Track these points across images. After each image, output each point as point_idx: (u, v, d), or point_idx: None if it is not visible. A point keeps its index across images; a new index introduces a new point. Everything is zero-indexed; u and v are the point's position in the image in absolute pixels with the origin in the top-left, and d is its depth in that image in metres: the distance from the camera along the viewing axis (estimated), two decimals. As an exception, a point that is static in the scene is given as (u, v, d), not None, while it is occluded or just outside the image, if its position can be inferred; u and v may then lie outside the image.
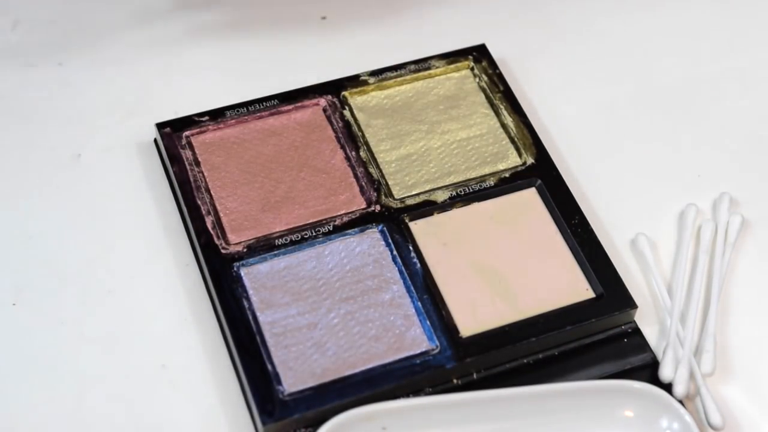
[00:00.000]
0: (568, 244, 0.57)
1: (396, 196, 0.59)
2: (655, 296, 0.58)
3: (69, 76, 0.65)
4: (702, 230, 0.59)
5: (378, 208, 0.58)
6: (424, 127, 0.62)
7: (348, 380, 0.52)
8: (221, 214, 0.57)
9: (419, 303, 0.55)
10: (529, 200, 0.59)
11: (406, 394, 0.53)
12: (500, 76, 0.64)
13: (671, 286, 0.58)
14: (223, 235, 0.56)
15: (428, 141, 0.61)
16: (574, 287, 0.56)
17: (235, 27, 0.68)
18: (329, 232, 0.57)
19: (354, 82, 0.63)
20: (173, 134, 0.60)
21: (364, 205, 0.58)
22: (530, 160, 0.60)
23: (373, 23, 0.68)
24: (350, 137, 0.61)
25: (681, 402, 0.52)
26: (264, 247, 0.56)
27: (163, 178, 0.61)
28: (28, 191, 0.60)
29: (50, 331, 0.55)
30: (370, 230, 0.57)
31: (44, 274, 0.57)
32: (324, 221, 0.57)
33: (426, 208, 0.58)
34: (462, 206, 0.59)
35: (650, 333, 0.56)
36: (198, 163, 0.59)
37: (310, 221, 0.57)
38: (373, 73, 0.63)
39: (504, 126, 0.62)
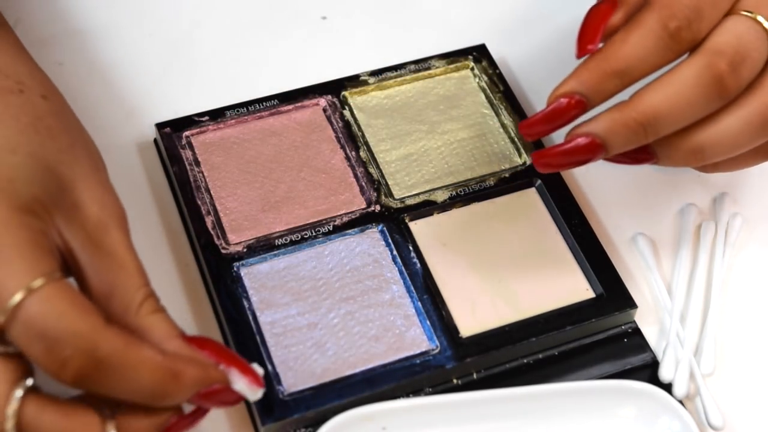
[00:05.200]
0: (568, 244, 0.57)
1: (396, 196, 0.59)
2: (655, 296, 0.58)
3: (69, 76, 0.65)
4: (702, 230, 0.59)
5: (378, 208, 0.58)
6: (424, 127, 0.62)
7: (348, 380, 0.52)
8: (221, 214, 0.57)
9: (419, 303, 0.55)
10: (529, 200, 0.59)
11: (406, 394, 0.53)
12: (500, 76, 0.64)
13: (671, 286, 0.58)
14: (223, 235, 0.56)
15: (428, 141, 0.61)
16: (574, 287, 0.56)
17: (234, 26, 0.68)
18: (329, 232, 0.57)
19: (354, 82, 0.63)
20: (173, 134, 0.60)
21: (364, 205, 0.58)
22: (530, 160, 0.60)
23: (373, 23, 0.68)
24: (350, 137, 0.61)
25: (681, 402, 0.53)
26: (264, 247, 0.56)
27: (163, 178, 0.61)
28: (28, 191, 0.60)
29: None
30: (370, 230, 0.57)
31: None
32: (324, 221, 0.57)
33: (426, 208, 0.58)
34: (462, 206, 0.59)
35: (650, 333, 0.56)
36: (198, 163, 0.59)
37: (310, 221, 0.57)
38: (373, 73, 0.63)
39: (504, 126, 0.62)
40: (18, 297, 0.42)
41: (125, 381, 0.44)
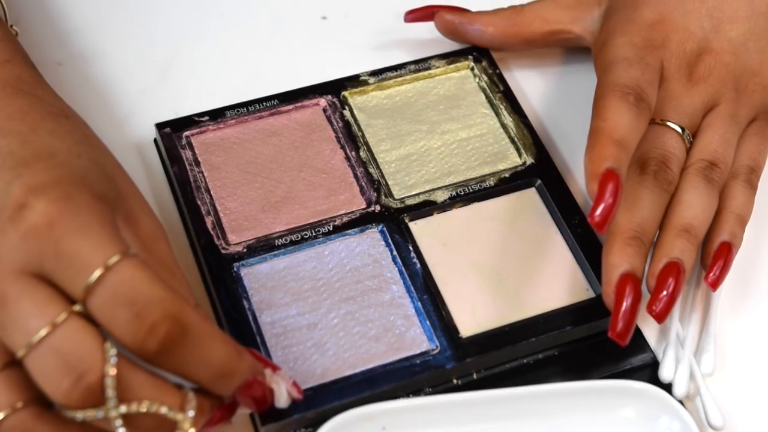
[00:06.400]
0: (568, 244, 0.57)
1: (396, 196, 0.59)
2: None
3: (69, 76, 0.65)
4: (702, 230, 0.59)
5: (378, 208, 0.58)
6: (424, 127, 0.62)
7: (348, 380, 0.52)
8: (221, 215, 0.57)
9: (419, 303, 0.55)
10: (529, 200, 0.59)
11: (406, 394, 0.53)
12: (500, 76, 0.64)
13: (671, 286, 0.57)
14: (223, 235, 0.56)
15: (428, 141, 0.61)
16: (574, 287, 0.56)
17: (235, 27, 0.68)
18: (329, 233, 0.57)
19: (354, 82, 0.63)
20: (173, 134, 0.60)
21: (364, 205, 0.58)
22: (530, 160, 0.60)
23: (373, 23, 0.68)
24: (350, 137, 0.61)
25: (681, 402, 0.52)
26: (264, 247, 0.56)
27: (163, 178, 0.61)
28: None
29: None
30: (370, 230, 0.57)
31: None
32: (324, 221, 0.57)
33: (426, 208, 0.58)
34: (462, 206, 0.59)
35: (650, 333, 0.56)
36: (198, 163, 0.59)
37: (310, 221, 0.57)
38: (373, 73, 0.63)
39: (504, 126, 0.62)
40: (98, 272, 0.43)
41: (202, 352, 0.45)
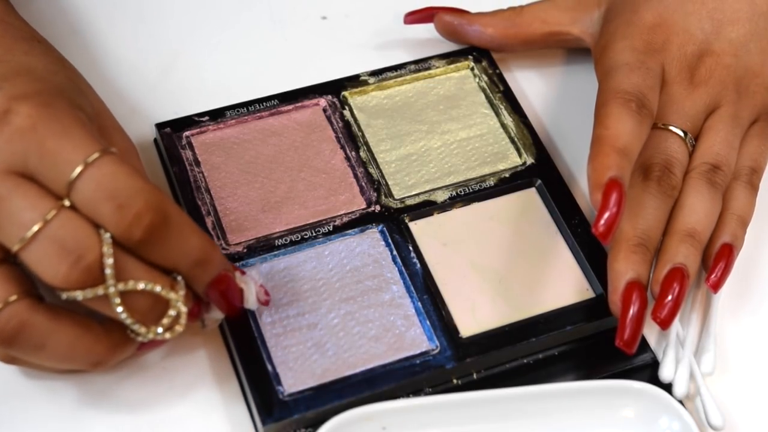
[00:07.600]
0: (568, 244, 0.58)
1: (396, 196, 0.59)
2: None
3: (69, 76, 0.65)
4: (702, 230, 0.59)
5: (378, 208, 0.58)
6: (424, 127, 0.62)
7: (348, 380, 0.52)
8: (221, 215, 0.57)
9: (419, 303, 0.55)
10: (529, 200, 0.59)
11: (406, 394, 0.53)
12: (500, 76, 0.64)
13: (671, 286, 0.57)
14: (223, 235, 0.56)
15: (428, 141, 0.61)
16: (574, 287, 0.56)
17: (235, 27, 0.68)
18: (329, 233, 0.57)
19: (354, 82, 0.63)
20: (173, 134, 0.60)
21: (364, 206, 0.58)
22: (530, 160, 0.60)
23: (373, 23, 0.68)
24: (350, 137, 0.61)
25: (681, 402, 0.53)
26: (264, 247, 0.56)
27: (163, 178, 0.61)
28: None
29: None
30: (370, 230, 0.57)
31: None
32: (324, 221, 0.57)
33: (426, 208, 0.58)
34: (462, 206, 0.59)
35: (650, 333, 0.56)
36: (198, 164, 0.59)
37: (310, 221, 0.57)
38: (373, 73, 0.63)
39: (504, 126, 0.62)
40: (79, 168, 0.46)
41: (182, 239, 0.48)
